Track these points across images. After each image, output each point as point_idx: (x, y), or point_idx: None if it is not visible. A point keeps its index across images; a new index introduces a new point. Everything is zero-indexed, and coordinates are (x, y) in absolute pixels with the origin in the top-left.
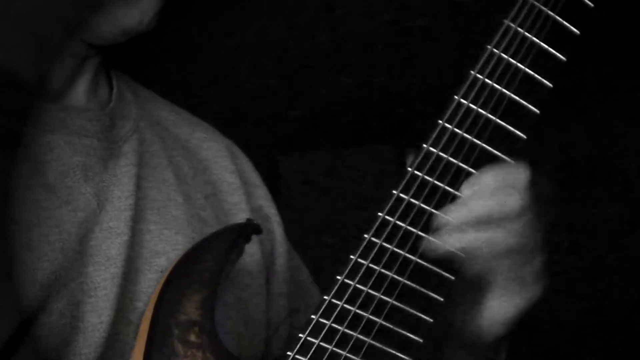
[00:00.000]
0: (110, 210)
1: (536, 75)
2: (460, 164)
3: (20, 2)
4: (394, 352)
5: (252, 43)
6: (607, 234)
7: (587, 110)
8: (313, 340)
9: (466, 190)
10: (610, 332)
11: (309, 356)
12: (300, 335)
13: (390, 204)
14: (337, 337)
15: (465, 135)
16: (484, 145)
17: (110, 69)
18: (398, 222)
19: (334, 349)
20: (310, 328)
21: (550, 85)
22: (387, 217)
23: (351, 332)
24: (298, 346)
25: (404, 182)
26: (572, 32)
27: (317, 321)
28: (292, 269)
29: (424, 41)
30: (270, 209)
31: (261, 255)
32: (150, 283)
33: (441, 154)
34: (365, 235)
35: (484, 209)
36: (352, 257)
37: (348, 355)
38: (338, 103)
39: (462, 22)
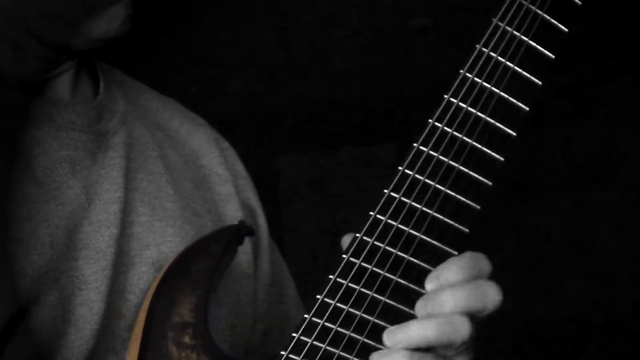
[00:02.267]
0: (99, 204)
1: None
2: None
3: None
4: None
5: (252, 43)
6: (609, 231)
7: (587, 110)
8: (306, 339)
9: (429, 284)
10: (610, 332)
11: (302, 355)
12: (293, 334)
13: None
14: (330, 336)
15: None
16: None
17: (96, 62)
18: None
19: (328, 347)
20: (303, 327)
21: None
22: (377, 219)
23: (344, 331)
24: (291, 345)
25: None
26: (561, 30)
27: (310, 320)
28: (273, 262)
29: (424, 41)
30: (256, 202)
31: (251, 247)
32: (141, 275)
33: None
34: (357, 235)
35: (469, 299)
36: (344, 256)
37: (342, 354)
38: (338, 103)
39: (462, 22)
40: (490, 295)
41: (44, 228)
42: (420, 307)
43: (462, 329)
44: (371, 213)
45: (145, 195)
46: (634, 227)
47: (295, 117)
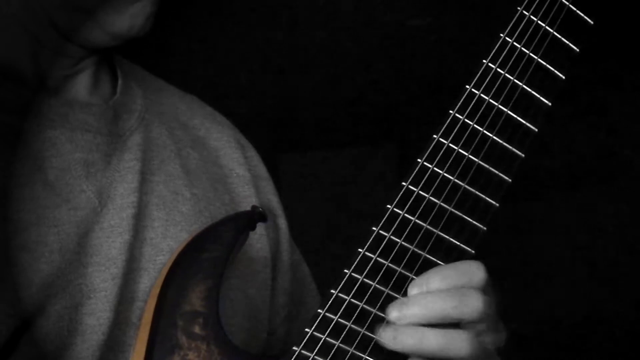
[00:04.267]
0: (112, 209)
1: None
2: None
3: (12, 1)
4: None
5: (252, 42)
6: (610, 232)
7: (588, 110)
8: (319, 335)
9: (413, 290)
10: (610, 332)
11: (315, 351)
12: (306, 329)
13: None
14: (344, 332)
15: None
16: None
17: (115, 60)
18: (404, 218)
19: (341, 344)
20: (316, 323)
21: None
22: (395, 210)
23: (357, 328)
24: (304, 341)
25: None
26: (586, 22)
27: (324, 316)
28: (294, 266)
29: (424, 41)
30: (277, 204)
31: (269, 250)
32: (152, 282)
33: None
34: (374, 228)
35: (438, 309)
36: (360, 250)
37: (354, 351)
38: (339, 103)
39: (462, 22)
40: (470, 303)
41: (53, 234)
42: (392, 310)
43: (463, 344)
44: (389, 206)
45: (160, 199)
46: (634, 227)
47: (295, 117)
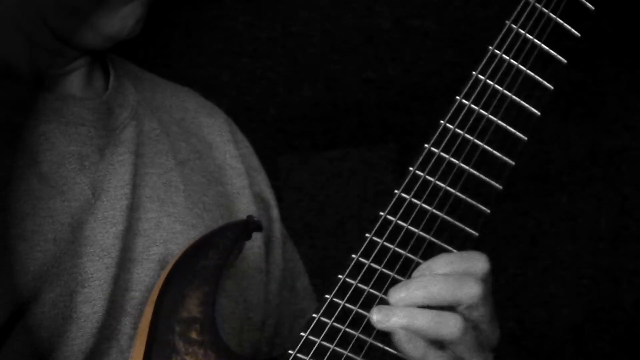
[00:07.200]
0: (106, 200)
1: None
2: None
3: (5, 2)
4: (395, 352)
5: (252, 42)
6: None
7: (588, 111)
8: (314, 339)
9: (416, 273)
10: (610, 332)
11: (310, 355)
12: (302, 333)
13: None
14: (339, 336)
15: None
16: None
17: (107, 57)
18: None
19: (336, 348)
20: (311, 327)
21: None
22: (388, 216)
23: (352, 332)
24: (299, 345)
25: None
26: (573, 34)
27: (319, 320)
28: (287, 260)
29: (424, 41)
30: (270, 195)
31: (263, 242)
32: (146, 272)
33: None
34: (367, 235)
35: (436, 291)
36: (353, 255)
37: (349, 354)
38: (338, 103)
39: (462, 22)
40: (467, 289)
41: (48, 224)
42: (393, 292)
43: (454, 325)
44: (381, 213)
45: (154, 191)
46: (633, 228)
47: (295, 117)
